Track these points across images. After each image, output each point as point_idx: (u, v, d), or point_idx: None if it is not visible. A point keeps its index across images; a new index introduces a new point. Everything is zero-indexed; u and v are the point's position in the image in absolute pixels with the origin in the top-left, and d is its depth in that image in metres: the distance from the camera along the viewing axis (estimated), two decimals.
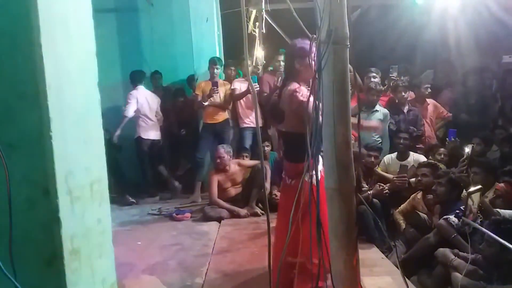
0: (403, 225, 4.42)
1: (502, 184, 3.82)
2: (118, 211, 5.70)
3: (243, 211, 5.29)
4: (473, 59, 6.58)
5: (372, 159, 4.98)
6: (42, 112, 1.67)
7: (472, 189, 2.95)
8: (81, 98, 1.91)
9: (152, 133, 6.33)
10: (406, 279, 2.72)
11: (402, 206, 4.59)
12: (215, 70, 5.99)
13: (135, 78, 6.23)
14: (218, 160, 5.38)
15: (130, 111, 6.09)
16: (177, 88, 6.87)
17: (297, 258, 2.59)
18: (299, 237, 2.38)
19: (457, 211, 3.59)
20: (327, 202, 2.10)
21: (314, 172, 2.09)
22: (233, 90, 6.06)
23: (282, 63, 6.07)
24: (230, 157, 5.47)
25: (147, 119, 6.24)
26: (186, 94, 6.77)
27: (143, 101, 6.19)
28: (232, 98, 6.09)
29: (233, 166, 5.50)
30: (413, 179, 4.70)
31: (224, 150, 5.41)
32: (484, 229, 2.81)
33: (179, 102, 6.70)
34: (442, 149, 5.24)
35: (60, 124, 1.73)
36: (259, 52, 6.41)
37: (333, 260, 2.05)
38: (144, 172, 6.46)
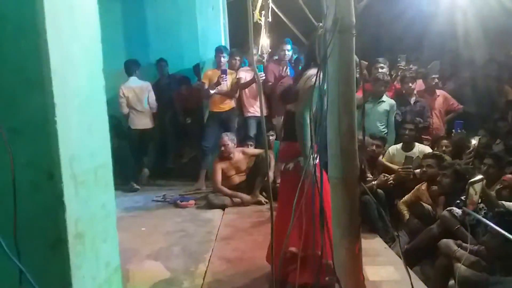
0: (407, 216, 4.42)
1: (510, 175, 3.81)
2: (122, 198, 5.74)
3: (247, 197, 5.31)
4: (481, 50, 6.51)
5: (374, 147, 4.95)
6: (46, 98, 1.67)
7: (474, 179, 2.93)
8: (85, 84, 1.91)
9: (140, 123, 6.45)
10: (409, 269, 2.73)
11: (406, 196, 4.59)
12: (222, 59, 5.97)
13: (128, 69, 6.37)
14: (222, 148, 5.39)
15: (124, 109, 6.37)
16: (182, 76, 6.86)
17: (299, 249, 2.61)
18: (302, 227, 2.38)
19: (458, 201, 3.58)
20: (331, 192, 2.11)
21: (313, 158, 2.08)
22: (238, 79, 6.05)
23: (288, 53, 6.06)
24: (234, 144, 5.48)
25: (134, 110, 6.39)
26: (191, 82, 6.77)
27: (131, 94, 6.32)
28: (238, 87, 6.08)
29: (237, 154, 5.52)
30: (418, 170, 4.69)
31: (228, 138, 5.42)
32: (485, 220, 2.79)
33: (184, 90, 6.70)
34: (444, 141, 5.21)
35: (65, 110, 1.73)
36: (264, 41, 6.38)
37: (335, 249, 2.06)
38: (136, 159, 6.58)
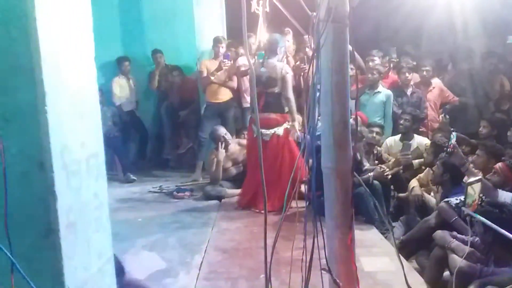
0: (418, 191, 4.36)
1: (499, 164, 3.84)
2: (119, 189, 5.73)
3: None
4: (478, 41, 6.48)
5: (375, 135, 4.94)
6: (37, 86, 1.66)
7: (471, 179, 2.97)
8: (77, 73, 1.90)
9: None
10: (403, 260, 2.73)
11: (422, 174, 4.59)
12: (220, 49, 5.94)
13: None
14: (222, 140, 5.33)
15: None
16: (177, 66, 6.77)
17: None
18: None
19: (457, 200, 3.59)
20: (324, 182, 2.10)
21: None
22: (238, 67, 6.00)
23: (287, 43, 6.03)
24: (230, 137, 5.45)
25: None
26: (185, 73, 6.71)
27: None
28: (236, 74, 6.04)
29: (234, 146, 5.50)
30: (416, 161, 4.70)
31: (224, 130, 5.40)
32: (483, 219, 2.80)
33: (180, 81, 6.63)
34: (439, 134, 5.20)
35: (56, 99, 1.72)
36: (262, 32, 6.34)
37: (328, 239, 2.06)
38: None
